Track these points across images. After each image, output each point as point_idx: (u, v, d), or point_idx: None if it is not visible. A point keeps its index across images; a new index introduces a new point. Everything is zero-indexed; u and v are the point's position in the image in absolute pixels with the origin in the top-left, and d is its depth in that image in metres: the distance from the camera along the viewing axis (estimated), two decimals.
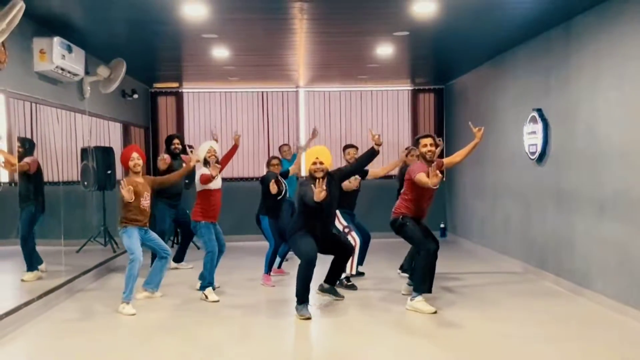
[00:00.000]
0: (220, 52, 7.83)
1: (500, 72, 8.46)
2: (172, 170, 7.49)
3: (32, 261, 6.46)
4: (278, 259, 7.45)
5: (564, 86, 6.53)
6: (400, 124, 11.27)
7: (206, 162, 6.46)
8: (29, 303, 5.65)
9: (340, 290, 6.35)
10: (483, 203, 9.18)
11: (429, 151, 5.85)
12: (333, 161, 5.97)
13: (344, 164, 7.01)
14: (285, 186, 7.08)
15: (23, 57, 5.88)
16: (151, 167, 10.08)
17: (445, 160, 6.38)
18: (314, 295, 5.92)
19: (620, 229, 5.50)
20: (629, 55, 5.35)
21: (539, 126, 6.97)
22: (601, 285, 5.82)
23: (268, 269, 7.11)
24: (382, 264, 8.13)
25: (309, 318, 5.52)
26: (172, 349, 4.79)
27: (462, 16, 6.22)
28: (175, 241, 9.71)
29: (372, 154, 5.91)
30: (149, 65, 9.08)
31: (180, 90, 11.12)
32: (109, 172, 8.37)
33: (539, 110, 7.01)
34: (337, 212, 6.75)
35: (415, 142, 6.13)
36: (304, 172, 7.25)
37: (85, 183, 7.91)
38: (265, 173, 7.17)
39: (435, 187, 5.45)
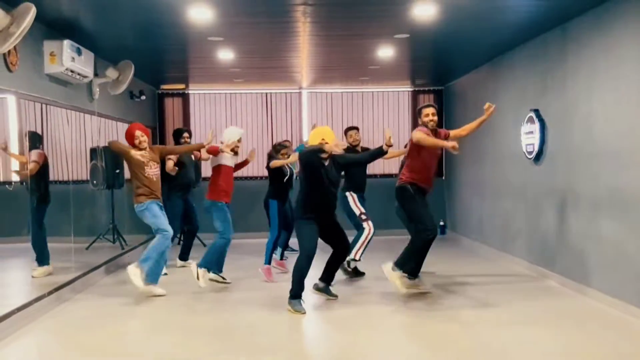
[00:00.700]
0: (226, 55, 7.90)
1: (498, 74, 8.53)
2: (182, 163, 7.64)
3: (43, 256, 6.51)
4: (279, 250, 7.47)
5: (561, 87, 6.59)
6: (401, 125, 11.40)
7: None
8: (39, 299, 5.72)
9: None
10: (482, 201, 9.26)
11: (431, 120, 5.91)
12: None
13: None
14: (291, 170, 7.17)
15: (34, 59, 5.95)
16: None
17: (452, 132, 6.32)
18: (306, 292, 5.89)
19: (615, 226, 5.56)
20: (624, 57, 5.40)
21: (536, 126, 7.04)
22: (597, 282, 5.88)
23: (268, 260, 7.09)
24: (383, 261, 8.14)
25: (303, 313, 5.52)
26: (178, 344, 4.83)
27: (461, 19, 6.27)
28: (181, 238, 9.76)
29: (379, 153, 5.93)
30: (156, 67, 9.17)
31: (186, 92, 11.25)
32: (117, 171, 8.46)
33: (536, 111, 7.07)
34: (354, 195, 6.80)
35: (418, 112, 6.14)
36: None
37: (94, 182, 7.99)
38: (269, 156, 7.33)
39: (455, 151, 5.52)
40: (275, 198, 7.11)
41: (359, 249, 6.85)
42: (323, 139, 5.70)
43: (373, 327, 5.25)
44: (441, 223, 10.99)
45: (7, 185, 6.50)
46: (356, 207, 6.92)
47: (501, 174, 8.42)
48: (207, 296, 6.40)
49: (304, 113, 11.36)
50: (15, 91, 5.62)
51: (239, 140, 6.65)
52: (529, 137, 7.28)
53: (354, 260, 6.96)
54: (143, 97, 9.42)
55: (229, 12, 5.90)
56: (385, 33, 6.94)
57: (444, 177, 11.29)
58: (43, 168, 6.56)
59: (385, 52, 7.89)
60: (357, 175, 7.03)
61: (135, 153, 6.38)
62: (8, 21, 4.90)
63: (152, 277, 6.19)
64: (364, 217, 6.92)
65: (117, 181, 8.52)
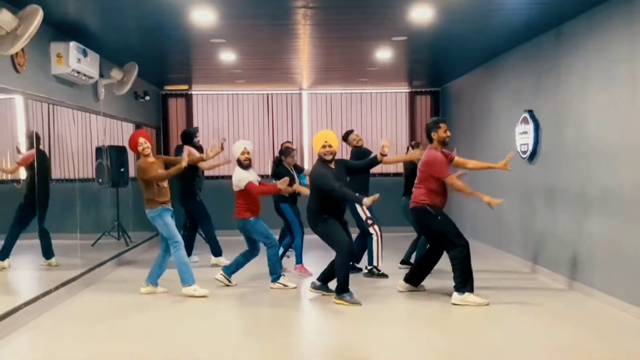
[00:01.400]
0: (228, 56, 7.98)
1: (493, 75, 8.61)
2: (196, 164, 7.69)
3: (4, 251, 6.29)
4: (281, 250, 7.54)
5: (555, 88, 6.67)
6: (398, 125, 11.55)
7: (240, 164, 6.44)
8: (47, 293, 5.83)
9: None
10: (477, 199, 9.28)
11: (448, 136, 5.96)
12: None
13: (349, 157, 7.35)
14: (297, 179, 7.28)
15: (41, 60, 6.03)
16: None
17: (457, 158, 6.27)
18: (306, 292, 5.98)
19: (607, 224, 5.64)
20: (617, 59, 5.47)
21: (530, 126, 7.12)
22: (590, 279, 5.96)
23: (300, 259, 7.26)
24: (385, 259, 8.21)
25: (360, 304, 5.69)
26: (185, 338, 4.88)
27: (457, 22, 6.35)
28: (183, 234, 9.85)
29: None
30: (160, 68, 9.27)
31: (189, 93, 11.37)
32: (122, 169, 8.57)
33: (531, 112, 7.16)
34: None
35: (433, 124, 5.96)
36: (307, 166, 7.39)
37: (100, 180, 8.08)
38: (277, 160, 7.45)
39: (493, 207, 5.85)
40: (286, 201, 7.21)
41: (376, 256, 6.98)
42: (326, 142, 5.88)
43: (368, 322, 5.35)
44: None
45: (15, 184, 6.59)
46: (362, 212, 7.01)
47: (496, 173, 8.36)
48: (219, 292, 6.46)
49: (304, 113, 11.51)
50: (22, 92, 5.71)
51: (244, 152, 6.48)
52: (523, 137, 7.37)
53: (377, 268, 7.06)
54: (147, 98, 9.49)
55: (232, 14, 5.98)
56: (383, 36, 7.04)
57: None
58: (30, 169, 6.15)
59: (384, 54, 7.98)
60: (361, 178, 7.13)
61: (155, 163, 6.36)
62: (16, 24, 5.00)
63: (187, 279, 6.22)
64: (370, 222, 7.00)
65: (122, 179, 8.63)
